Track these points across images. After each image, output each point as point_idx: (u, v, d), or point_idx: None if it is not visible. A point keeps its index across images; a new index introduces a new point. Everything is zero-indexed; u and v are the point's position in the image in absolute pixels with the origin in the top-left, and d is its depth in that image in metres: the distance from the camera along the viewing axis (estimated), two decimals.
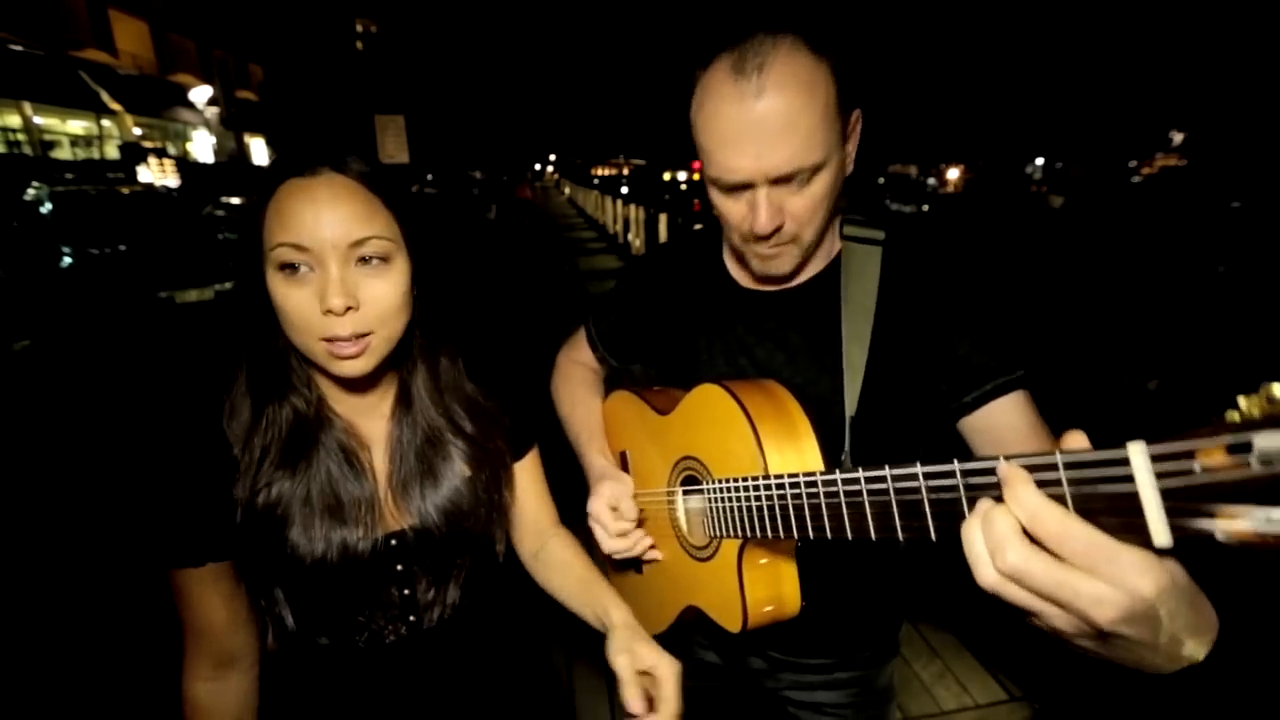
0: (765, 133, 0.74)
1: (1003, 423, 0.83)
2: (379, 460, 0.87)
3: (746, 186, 0.79)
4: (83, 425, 4.13)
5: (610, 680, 2.34)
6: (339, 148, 0.76)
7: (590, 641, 0.85)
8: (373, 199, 0.74)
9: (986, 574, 0.43)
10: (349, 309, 0.72)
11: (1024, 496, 0.40)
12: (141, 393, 4.60)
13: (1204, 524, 0.31)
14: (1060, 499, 0.39)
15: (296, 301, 0.72)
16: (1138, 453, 0.34)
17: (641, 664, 0.79)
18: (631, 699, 0.76)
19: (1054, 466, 0.39)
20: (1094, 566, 0.38)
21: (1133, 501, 0.34)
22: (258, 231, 0.72)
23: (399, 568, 0.85)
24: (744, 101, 0.74)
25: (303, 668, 0.87)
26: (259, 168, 20.63)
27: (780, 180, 0.77)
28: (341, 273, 0.71)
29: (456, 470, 0.88)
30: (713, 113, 0.77)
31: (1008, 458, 0.42)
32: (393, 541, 0.84)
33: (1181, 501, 0.32)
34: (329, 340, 0.72)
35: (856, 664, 1.06)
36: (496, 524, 0.94)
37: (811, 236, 0.84)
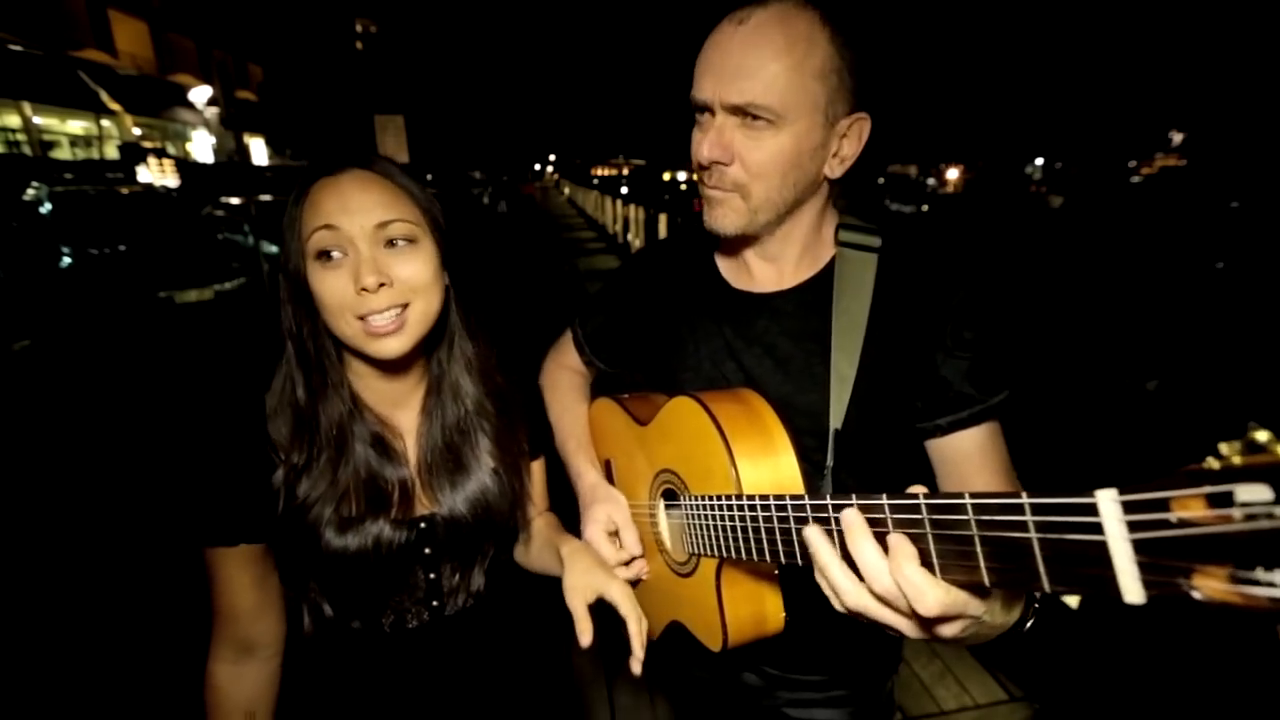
0: (732, 56, 0.75)
1: (965, 450, 0.83)
2: (410, 448, 0.90)
3: (708, 112, 0.80)
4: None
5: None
6: (366, 153, 0.85)
7: (602, 634, 0.86)
8: (395, 189, 0.81)
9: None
10: (382, 285, 0.76)
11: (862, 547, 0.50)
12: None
13: (1180, 582, 0.28)
14: (1027, 544, 0.36)
15: (332, 285, 0.76)
16: (1108, 500, 0.31)
17: (593, 596, 0.87)
18: (582, 635, 0.85)
19: (1021, 509, 0.36)
20: (959, 615, 0.49)
21: (1101, 552, 0.31)
22: (296, 230, 0.78)
23: (427, 551, 0.88)
24: (725, 28, 0.77)
25: (329, 651, 0.90)
26: (260, 168, 20.63)
27: (735, 112, 0.77)
28: (372, 252, 0.77)
29: (483, 461, 0.92)
30: (704, 44, 0.80)
31: (973, 495, 0.39)
32: (422, 525, 0.88)
33: (1156, 556, 0.29)
34: (364, 319, 0.77)
35: (854, 680, 1.02)
36: (519, 514, 0.97)
37: (762, 198, 0.81)
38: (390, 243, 0.79)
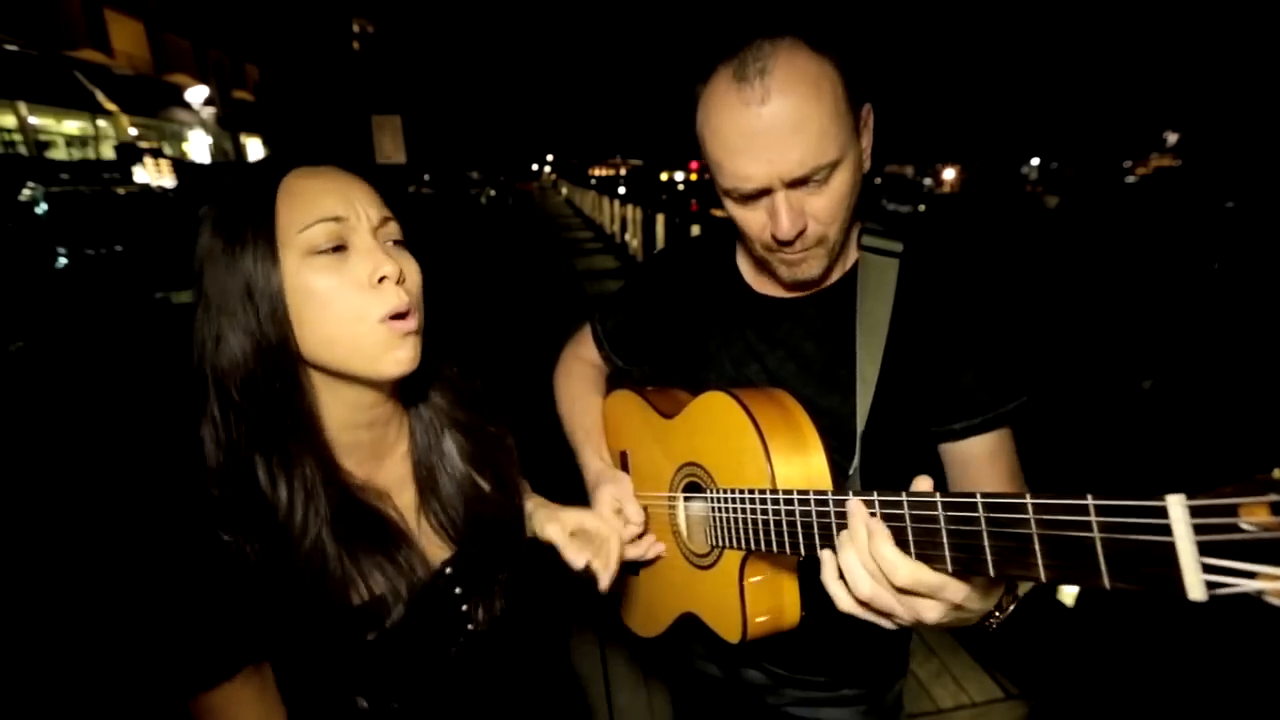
0: (775, 137, 0.73)
1: (976, 454, 0.85)
2: (408, 503, 0.83)
3: (764, 193, 0.78)
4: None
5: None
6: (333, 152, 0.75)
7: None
8: (376, 191, 0.73)
9: (845, 603, 0.61)
10: (400, 280, 0.68)
11: (882, 549, 0.55)
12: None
13: (1243, 583, 0.30)
14: (1089, 543, 0.38)
15: (340, 284, 0.65)
16: (1177, 505, 0.33)
17: (570, 527, 0.91)
18: (574, 556, 0.88)
19: (1085, 510, 0.38)
20: (933, 594, 0.54)
21: (1168, 553, 0.34)
22: (265, 235, 0.64)
23: (458, 590, 0.84)
24: (749, 108, 0.72)
25: None
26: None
27: (796, 183, 0.76)
28: (380, 244, 0.68)
29: (479, 485, 0.88)
30: (719, 124, 0.76)
31: (1034, 496, 0.41)
32: (448, 570, 0.83)
33: (1220, 558, 0.31)
34: (390, 318, 0.66)
35: (862, 682, 1.04)
36: (519, 519, 0.94)
37: (837, 235, 0.82)
38: (386, 243, 0.70)
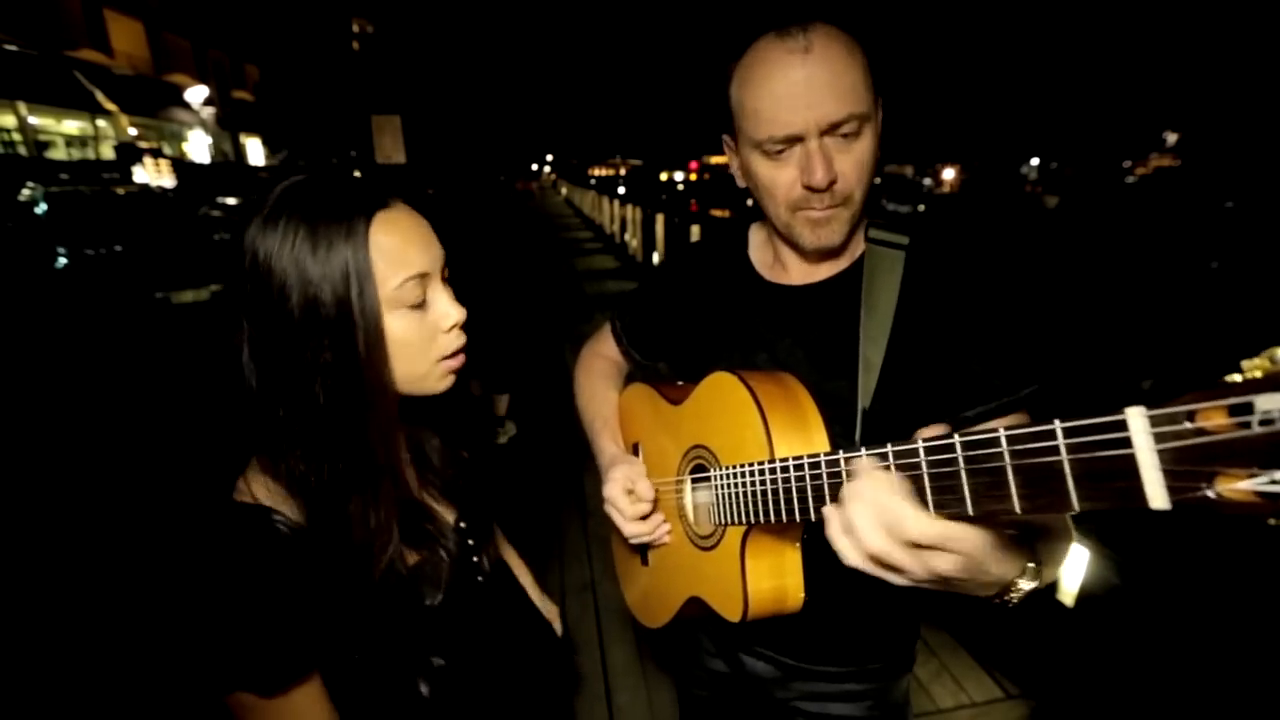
0: (816, 84, 0.77)
1: None
2: (412, 476, 0.88)
3: (796, 142, 0.81)
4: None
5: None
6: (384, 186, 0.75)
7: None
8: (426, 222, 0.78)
9: (852, 557, 0.57)
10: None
11: (887, 502, 0.53)
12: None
13: (1203, 486, 0.30)
14: (1058, 467, 0.39)
15: (419, 333, 0.72)
16: (1136, 416, 0.33)
17: None
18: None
19: (1053, 434, 0.38)
20: (940, 546, 0.52)
21: (1129, 465, 0.34)
22: (366, 273, 0.67)
23: (470, 542, 0.91)
24: (793, 55, 0.78)
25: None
26: (257, 166, 20.51)
27: (830, 130, 0.79)
28: (447, 289, 0.75)
29: (460, 454, 0.94)
30: (761, 74, 0.80)
31: (1007, 429, 0.42)
32: (462, 524, 0.90)
33: (1180, 464, 0.32)
34: (448, 357, 0.75)
35: (869, 675, 1.04)
36: (485, 473, 1.00)
37: (860, 200, 0.85)
38: (442, 280, 0.77)
